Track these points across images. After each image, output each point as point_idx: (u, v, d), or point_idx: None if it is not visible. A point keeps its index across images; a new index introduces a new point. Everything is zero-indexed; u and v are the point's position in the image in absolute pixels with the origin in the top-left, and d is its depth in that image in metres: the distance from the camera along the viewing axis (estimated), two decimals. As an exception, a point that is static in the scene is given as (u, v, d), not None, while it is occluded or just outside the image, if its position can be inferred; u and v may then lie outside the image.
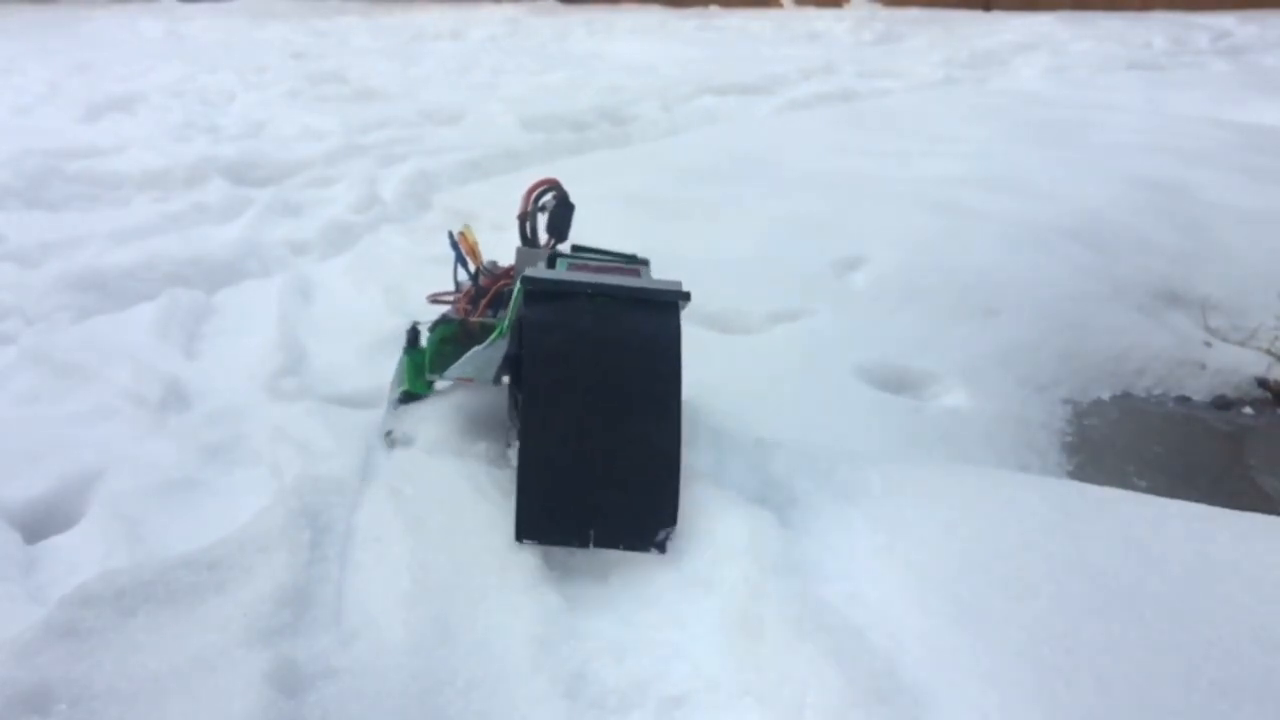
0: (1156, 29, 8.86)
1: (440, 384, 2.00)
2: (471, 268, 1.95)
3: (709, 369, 2.23)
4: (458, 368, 1.67)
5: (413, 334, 1.93)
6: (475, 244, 1.97)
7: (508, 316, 1.56)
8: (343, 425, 2.06)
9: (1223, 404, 2.39)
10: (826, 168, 3.93)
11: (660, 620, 1.45)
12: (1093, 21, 10.05)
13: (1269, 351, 2.39)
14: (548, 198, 1.81)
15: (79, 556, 1.66)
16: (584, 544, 1.39)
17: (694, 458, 1.83)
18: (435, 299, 2.06)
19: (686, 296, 1.42)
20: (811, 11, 12.88)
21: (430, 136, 5.10)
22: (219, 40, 10.35)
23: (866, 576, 1.44)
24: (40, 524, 1.79)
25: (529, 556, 1.56)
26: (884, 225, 3.07)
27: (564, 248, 1.84)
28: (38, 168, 4.05)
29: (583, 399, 1.37)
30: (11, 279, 2.96)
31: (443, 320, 1.90)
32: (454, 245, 1.96)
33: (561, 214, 1.78)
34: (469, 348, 1.68)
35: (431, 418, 2.07)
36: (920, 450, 2.01)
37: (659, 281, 1.46)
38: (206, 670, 1.29)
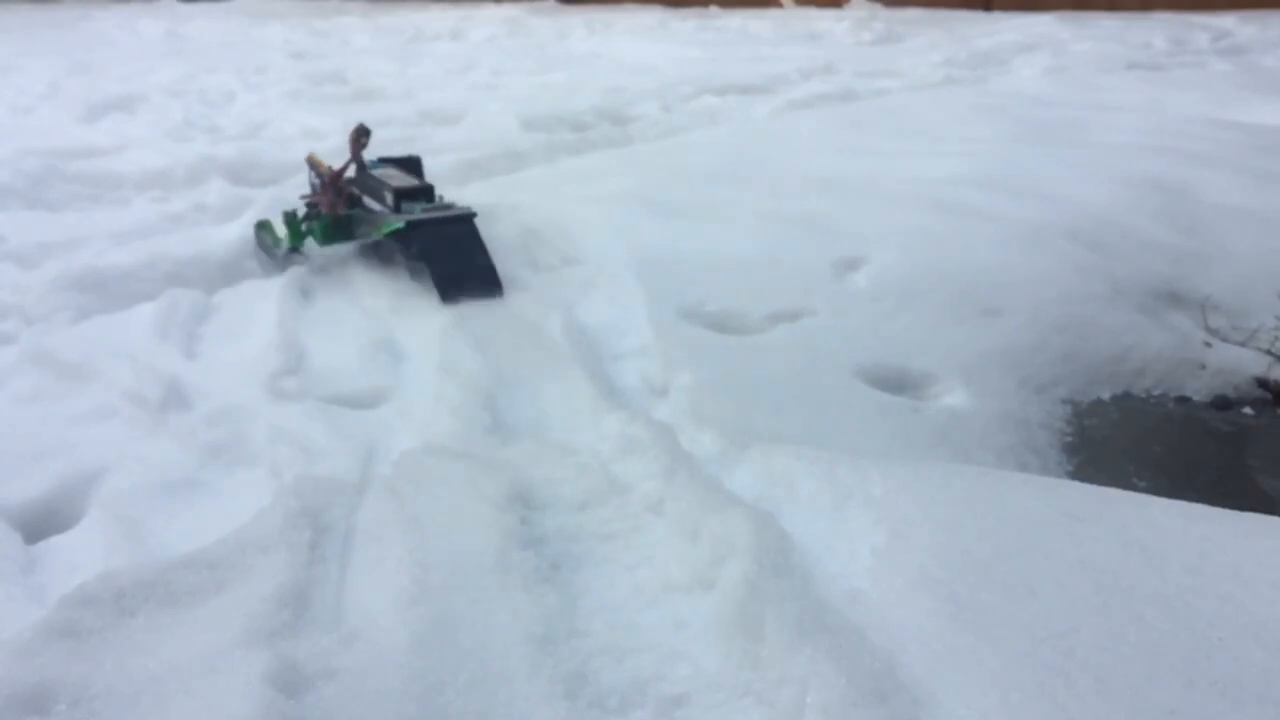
0: (1156, 29, 8.87)
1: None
2: (319, 174, 3.22)
3: (709, 369, 2.23)
4: (361, 235, 3.20)
5: (291, 214, 3.19)
6: (319, 161, 3.29)
7: (387, 224, 2.91)
8: (343, 425, 2.06)
9: (1223, 404, 2.38)
10: (826, 168, 3.92)
11: (660, 620, 1.45)
12: (1093, 21, 10.06)
13: (1269, 351, 2.39)
14: (362, 139, 3.06)
15: (79, 556, 1.66)
16: (468, 298, 2.77)
17: (694, 455, 1.84)
18: (304, 198, 3.28)
19: (474, 215, 2.95)
20: (811, 11, 12.89)
21: (430, 136, 5.10)
22: (219, 40, 10.36)
23: (866, 576, 1.44)
24: (40, 524, 1.79)
25: (529, 556, 1.56)
26: (884, 225, 3.06)
27: (369, 155, 3.25)
28: (38, 168, 4.05)
29: (445, 252, 2.84)
30: (11, 279, 2.96)
31: (318, 214, 3.16)
32: (310, 165, 3.32)
33: (365, 140, 3.07)
34: (343, 228, 3.17)
35: (431, 417, 2.08)
36: (920, 450, 2.01)
37: (461, 207, 3.01)
38: (206, 670, 1.29)
